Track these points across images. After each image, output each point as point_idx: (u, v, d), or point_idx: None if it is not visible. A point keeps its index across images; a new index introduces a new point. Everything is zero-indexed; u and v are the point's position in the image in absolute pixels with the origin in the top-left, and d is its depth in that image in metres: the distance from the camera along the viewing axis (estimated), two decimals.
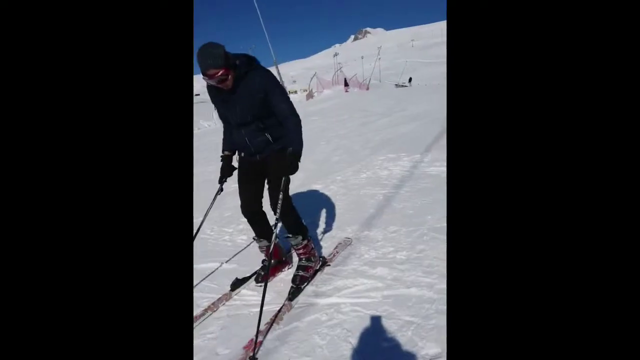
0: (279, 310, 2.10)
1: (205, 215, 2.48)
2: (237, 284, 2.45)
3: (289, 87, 33.80)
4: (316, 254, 2.50)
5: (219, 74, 1.93)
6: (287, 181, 2.19)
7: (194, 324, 2.08)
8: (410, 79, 32.28)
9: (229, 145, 2.40)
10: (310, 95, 24.70)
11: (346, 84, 26.78)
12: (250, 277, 2.53)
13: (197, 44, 1.92)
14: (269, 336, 1.93)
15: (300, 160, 2.15)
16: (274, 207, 2.25)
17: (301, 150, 2.15)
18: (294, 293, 2.24)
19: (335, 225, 3.26)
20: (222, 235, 3.36)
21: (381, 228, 3.05)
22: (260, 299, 2.26)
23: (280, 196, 2.15)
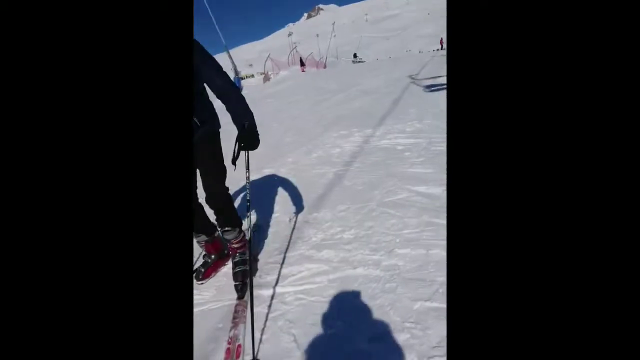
0: (235, 311, 1.92)
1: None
2: None
3: (244, 71, 32.80)
4: (247, 245, 2.31)
5: None
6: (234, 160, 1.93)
7: None
8: (355, 55, 32.12)
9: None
10: (267, 78, 24.07)
11: (302, 64, 26.31)
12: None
13: None
14: (205, 335, 1.79)
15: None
16: (211, 199, 2.06)
17: (255, 125, 1.92)
18: (242, 289, 2.06)
19: (283, 210, 3.12)
20: None
21: (330, 208, 2.94)
22: (203, 298, 2.13)
23: (247, 174, 1.92)
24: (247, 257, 2.22)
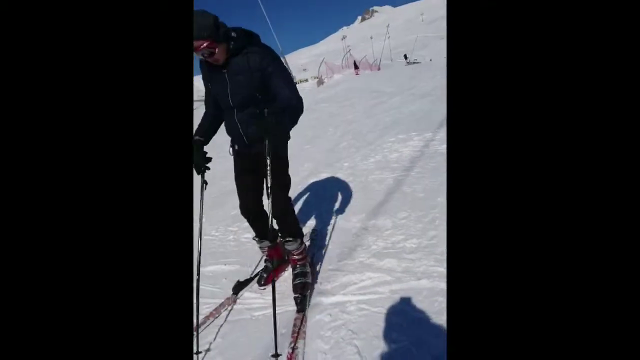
0: (294, 325, 1.89)
1: (200, 217, 2.22)
2: (239, 286, 2.34)
3: (299, 76, 33.47)
4: (309, 258, 2.31)
5: (203, 46, 1.67)
6: (281, 163, 1.90)
7: (199, 331, 1.96)
8: (405, 56, 31.10)
9: (203, 131, 2.07)
10: (320, 82, 24.32)
11: (356, 67, 26.22)
12: (252, 279, 2.41)
13: None
14: (269, 339, 1.80)
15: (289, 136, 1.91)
16: (274, 207, 2.01)
17: (289, 129, 1.91)
18: (302, 302, 2.02)
19: (341, 216, 3.09)
20: (227, 235, 3.26)
21: (390, 215, 2.86)
22: (266, 302, 2.16)
23: (268, 161, 1.84)
24: (308, 270, 2.22)
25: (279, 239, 2.36)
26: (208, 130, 2.08)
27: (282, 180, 2.07)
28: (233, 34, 1.78)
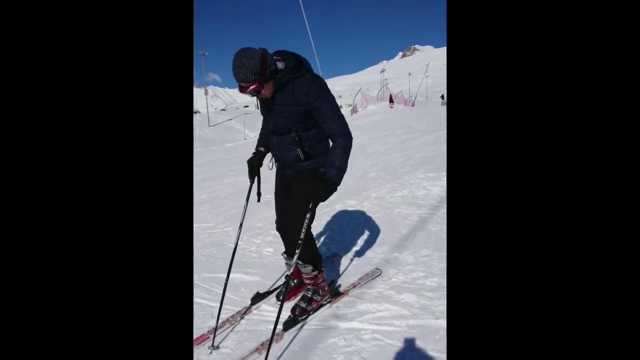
0: (271, 340, 1.84)
1: (241, 226, 2.28)
2: (258, 298, 2.39)
3: None
4: (326, 288, 2.28)
5: (250, 89, 1.76)
6: (313, 207, 1.92)
7: (215, 333, 2.02)
8: (442, 96, 31.13)
9: (263, 143, 2.20)
10: (354, 110, 24.71)
11: (391, 100, 26.57)
12: (271, 292, 2.46)
13: None
14: (283, 357, 1.84)
15: (336, 189, 1.89)
16: (290, 231, 2.06)
17: (339, 178, 1.87)
18: (289, 323, 2.06)
19: (364, 245, 3.13)
20: (249, 245, 3.34)
21: (412, 251, 2.88)
22: (281, 317, 2.19)
23: (306, 222, 1.92)
24: (313, 296, 2.22)
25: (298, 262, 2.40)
26: (267, 143, 2.18)
27: (299, 210, 2.06)
28: (280, 66, 1.81)
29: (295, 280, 2.39)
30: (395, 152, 7.52)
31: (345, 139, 1.87)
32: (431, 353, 1.77)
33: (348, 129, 1.91)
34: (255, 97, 1.94)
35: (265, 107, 2.01)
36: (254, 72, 1.71)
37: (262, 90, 1.82)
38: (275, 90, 1.87)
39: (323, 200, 1.90)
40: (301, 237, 1.93)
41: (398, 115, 17.56)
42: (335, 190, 1.86)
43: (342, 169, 1.87)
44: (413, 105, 27.26)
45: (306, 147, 1.97)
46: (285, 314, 2.17)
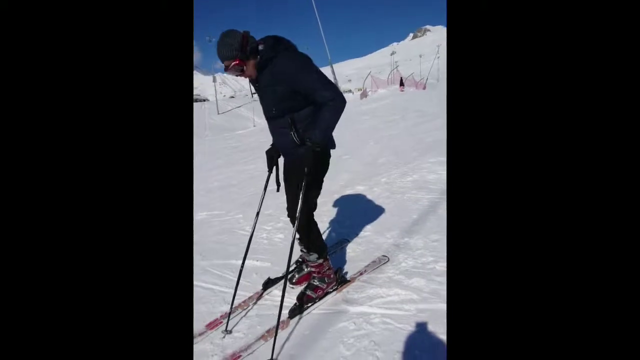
0: (277, 326, 1.87)
1: (257, 215, 2.31)
2: (270, 283, 2.43)
3: (343, 86, 33.75)
4: (332, 276, 2.29)
5: (232, 65, 1.77)
6: (307, 180, 1.88)
7: (230, 318, 2.08)
8: None
9: None
10: (364, 94, 24.44)
11: (402, 83, 26.17)
12: (283, 277, 2.50)
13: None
14: (292, 340, 1.88)
15: (329, 153, 1.87)
16: (290, 215, 2.09)
17: (323, 139, 1.82)
18: (295, 311, 2.10)
19: (374, 230, 3.13)
20: (260, 232, 3.38)
21: (422, 235, 2.88)
22: (292, 302, 2.23)
23: (302, 196, 1.91)
24: (318, 284, 2.25)
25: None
26: None
27: (310, 199, 2.10)
28: (260, 47, 1.81)
29: (307, 268, 2.42)
30: (405, 136, 7.45)
31: (335, 101, 1.80)
32: (440, 337, 1.79)
33: (339, 92, 1.84)
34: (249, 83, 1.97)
35: (258, 94, 2.01)
36: (235, 48, 1.75)
37: (245, 69, 1.83)
38: (258, 72, 1.86)
39: (309, 165, 1.85)
40: (298, 212, 1.94)
41: (409, 99, 17.31)
42: (318, 151, 1.82)
43: (327, 129, 1.82)
44: (424, 88, 26.82)
45: (300, 128, 1.91)
46: (292, 298, 2.21)
